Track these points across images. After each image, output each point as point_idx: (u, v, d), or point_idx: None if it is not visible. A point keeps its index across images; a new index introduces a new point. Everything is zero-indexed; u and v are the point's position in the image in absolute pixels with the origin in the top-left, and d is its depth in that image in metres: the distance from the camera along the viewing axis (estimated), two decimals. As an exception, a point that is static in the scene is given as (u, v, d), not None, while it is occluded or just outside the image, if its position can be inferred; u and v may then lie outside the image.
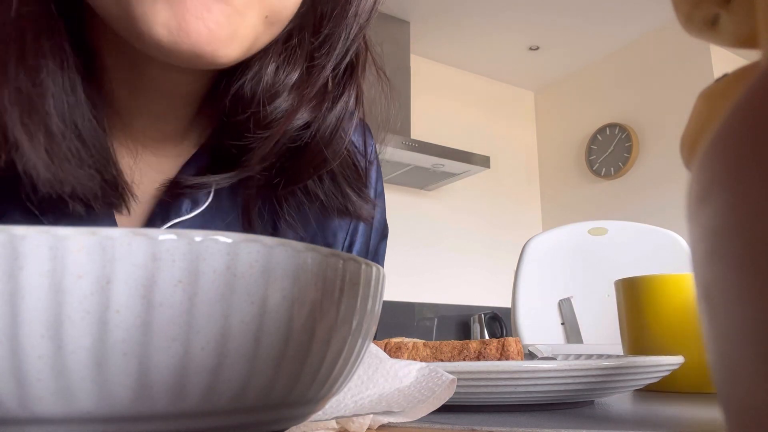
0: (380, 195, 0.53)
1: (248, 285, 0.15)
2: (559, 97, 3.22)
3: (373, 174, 0.51)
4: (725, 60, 2.53)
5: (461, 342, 0.41)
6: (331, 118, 0.41)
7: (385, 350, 0.41)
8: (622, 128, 2.80)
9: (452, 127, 2.98)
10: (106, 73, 0.38)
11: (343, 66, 0.41)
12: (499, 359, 0.40)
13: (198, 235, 0.15)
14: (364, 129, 0.50)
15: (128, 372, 0.14)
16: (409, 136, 2.51)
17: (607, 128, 2.87)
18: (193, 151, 0.44)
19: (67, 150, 0.33)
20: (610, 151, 2.85)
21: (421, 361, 0.33)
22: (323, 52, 0.39)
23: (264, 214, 0.44)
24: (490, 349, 0.40)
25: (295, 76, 0.39)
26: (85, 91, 0.35)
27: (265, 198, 0.43)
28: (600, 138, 2.91)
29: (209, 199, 0.42)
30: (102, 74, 0.38)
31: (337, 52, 0.39)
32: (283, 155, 0.41)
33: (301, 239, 0.44)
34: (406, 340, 0.42)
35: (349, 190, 0.44)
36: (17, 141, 0.30)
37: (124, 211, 0.39)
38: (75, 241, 0.14)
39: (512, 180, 3.17)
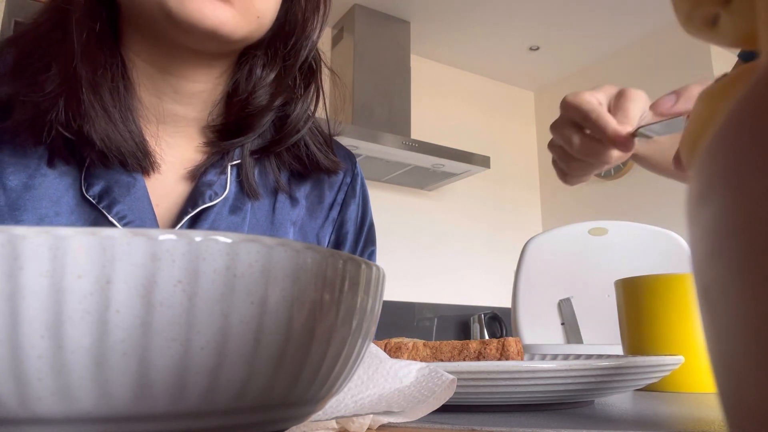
0: (366, 198, 0.70)
1: (248, 285, 0.15)
2: (559, 97, 3.17)
3: (358, 181, 0.69)
4: (725, 60, 2.52)
5: (461, 342, 0.41)
6: (301, 101, 0.58)
7: (385, 350, 0.41)
8: (622, 128, 2.79)
9: (452, 127, 2.98)
10: (136, 82, 0.54)
11: (306, 67, 0.59)
12: (499, 359, 0.40)
13: (198, 235, 0.15)
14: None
15: (128, 372, 0.14)
16: (409, 136, 2.51)
17: (607, 128, 2.87)
18: (204, 137, 0.58)
19: (116, 114, 0.50)
20: (610, 151, 2.84)
21: (421, 361, 0.33)
22: (291, 57, 0.56)
23: (267, 184, 0.59)
24: (490, 349, 0.40)
25: (273, 74, 0.56)
26: (123, 87, 0.51)
27: (259, 161, 0.59)
28: (600, 138, 2.90)
29: (227, 190, 0.55)
30: (135, 84, 0.54)
31: (300, 57, 0.57)
32: (272, 127, 0.59)
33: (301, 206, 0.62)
34: (406, 340, 0.42)
35: (318, 152, 0.62)
36: (88, 112, 0.48)
37: (153, 177, 0.54)
38: (75, 241, 0.14)
39: (512, 180, 3.16)
